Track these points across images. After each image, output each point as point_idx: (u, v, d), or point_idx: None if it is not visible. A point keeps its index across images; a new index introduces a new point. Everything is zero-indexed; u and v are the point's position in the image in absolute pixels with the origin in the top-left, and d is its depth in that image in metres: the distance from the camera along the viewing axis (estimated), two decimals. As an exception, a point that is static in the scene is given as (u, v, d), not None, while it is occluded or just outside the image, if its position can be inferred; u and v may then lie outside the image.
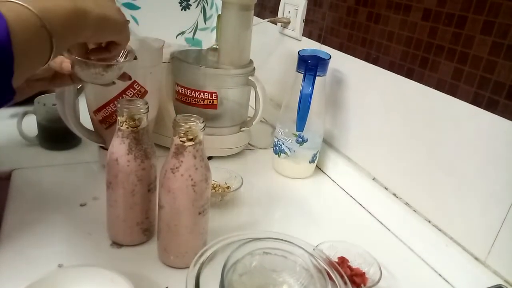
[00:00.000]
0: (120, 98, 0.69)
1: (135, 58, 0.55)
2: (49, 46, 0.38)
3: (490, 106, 0.56)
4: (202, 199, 0.53)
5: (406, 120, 0.70)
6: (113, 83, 0.56)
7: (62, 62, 0.51)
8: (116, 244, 0.59)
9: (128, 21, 0.49)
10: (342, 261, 0.58)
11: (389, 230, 0.71)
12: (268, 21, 1.06)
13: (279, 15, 1.05)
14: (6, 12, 0.34)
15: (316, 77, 0.76)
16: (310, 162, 0.84)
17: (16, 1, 0.36)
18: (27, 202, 0.66)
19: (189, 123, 0.51)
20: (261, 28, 1.07)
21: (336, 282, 0.47)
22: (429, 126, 0.65)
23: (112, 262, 0.56)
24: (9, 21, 0.33)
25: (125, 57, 0.54)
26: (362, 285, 0.55)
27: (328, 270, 0.48)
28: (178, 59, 0.84)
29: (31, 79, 0.53)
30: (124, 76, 0.57)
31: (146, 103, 0.55)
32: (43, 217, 0.63)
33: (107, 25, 0.45)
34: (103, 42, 0.49)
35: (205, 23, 1.45)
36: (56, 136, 0.82)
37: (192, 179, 0.51)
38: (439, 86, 0.63)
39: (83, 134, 0.73)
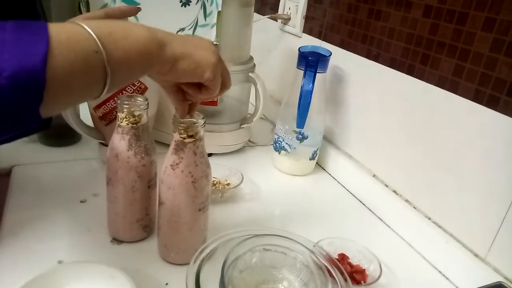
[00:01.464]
0: (120, 94, 0.69)
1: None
2: (102, 75, 0.33)
3: (491, 103, 0.56)
4: (202, 195, 0.53)
5: (407, 117, 0.70)
6: None
7: None
8: (116, 240, 0.59)
9: (217, 62, 0.44)
10: (342, 257, 0.58)
11: (389, 227, 0.71)
12: (268, 17, 1.05)
13: (280, 11, 1.05)
14: (57, 33, 0.30)
15: (317, 74, 0.76)
16: (310, 159, 0.84)
17: (79, 23, 0.33)
18: (27, 198, 0.66)
19: (189, 120, 0.50)
20: (261, 24, 1.06)
21: (337, 278, 0.47)
22: (430, 123, 0.65)
23: (112, 258, 0.56)
24: (53, 42, 0.30)
25: None
26: (362, 282, 0.55)
27: (328, 267, 0.48)
28: (178, 56, 0.84)
29: None
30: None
31: (146, 99, 0.55)
32: (43, 213, 0.63)
33: (186, 65, 0.40)
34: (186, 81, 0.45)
35: (205, 20, 1.44)
36: (56, 132, 0.82)
37: (192, 176, 0.51)
38: (440, 83, 0.63)
39: (83, 130, 0.72)
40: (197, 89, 0.46)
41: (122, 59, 0.34)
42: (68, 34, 0.32)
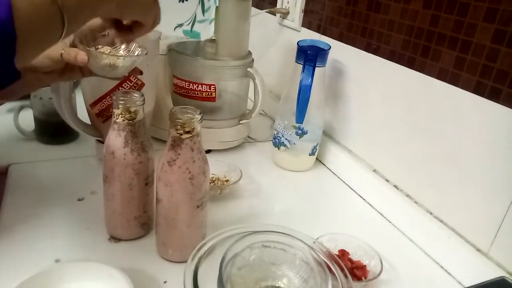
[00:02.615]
0: (116, 90, 0.68)
1: (146, 53, 0.54)
2: (60, 22, 0.36)
3: (493, 95, 0.55)
4: (200, 192, 0.52)
5: (407, 111, 0.69)
6: (124, 76, 0.55)
7: (77, 54, 0.49)
8: (114, 238, 0.59)
9: (156, 1, 0.46)
10: (343, 253, 0.58)
11: (390, 222, 0.71)
12: (266, 11, 1.04)
13: (278, 5, 1.04)
14: None
15: (316, 68, 0.75)
16: (310, 155, 0.83)
17: None
18: (24, 196, 0.65)
19: (186, 115, 0.50)
20: (259, 19, 1.05)
21: (337, 275, 0.46)
22: (430, 116, 0.64)
23: (110, 256, 0.56)
24: None
25: (134, 52, 0.54)
26: (363, 278, 0.55)
27: (328, 263, 0.48)
28: (176, 51, 0.83)
29: (39, 72, 0.51)
30: (135, 71, 0.56)
31: (142, 95, 0.54)
32: (40, 211, 0.62)
33: (133, 1, 0.43)
34: (128, 21, 0.47)
35: (203, 15, 1.43)
36: (53, 130, 0.81)
37: (189, 172, 0.50)
38: (441, 75, 0.62)
39: (80, 127, 0.72)
40: (127, 30, 0.49)
41: (74, 5, 0.37)
42: None
